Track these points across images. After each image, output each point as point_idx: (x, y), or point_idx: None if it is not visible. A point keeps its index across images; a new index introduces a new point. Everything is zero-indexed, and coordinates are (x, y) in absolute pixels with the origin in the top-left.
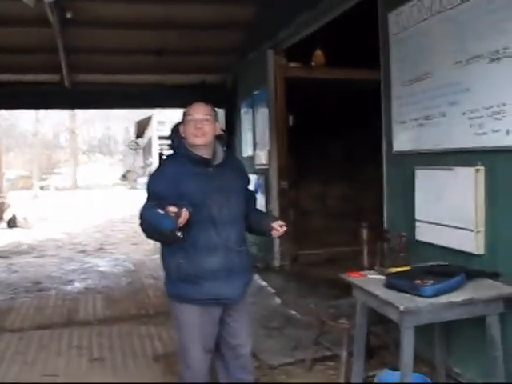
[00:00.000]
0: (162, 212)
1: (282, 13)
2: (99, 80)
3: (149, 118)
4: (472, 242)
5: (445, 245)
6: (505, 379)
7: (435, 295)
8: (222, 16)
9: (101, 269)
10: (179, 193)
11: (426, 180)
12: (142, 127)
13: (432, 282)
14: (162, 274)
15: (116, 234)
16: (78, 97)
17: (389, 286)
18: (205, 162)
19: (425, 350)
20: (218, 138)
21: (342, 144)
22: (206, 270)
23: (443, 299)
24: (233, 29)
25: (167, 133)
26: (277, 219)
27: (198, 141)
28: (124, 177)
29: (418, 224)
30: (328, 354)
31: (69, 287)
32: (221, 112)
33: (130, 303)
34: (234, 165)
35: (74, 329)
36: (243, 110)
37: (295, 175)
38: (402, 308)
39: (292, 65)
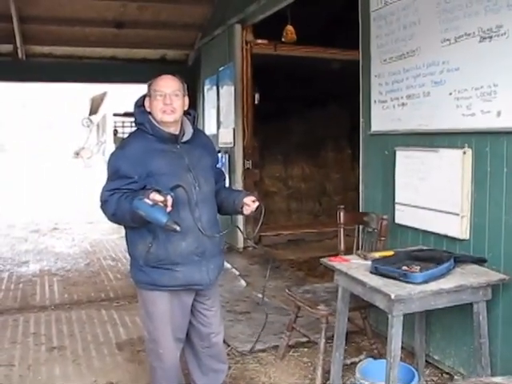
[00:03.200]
0: (149, 203)
1: None
2: (55, 52)
3: (103, 94)
4: (457, 227)
5: (427, 229)
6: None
7: (425, 282)
8: None
9: (56, 250)
10: (147, 173)
11: (407, 162)
12: (96, 103)
13: (419, 267)
14: (121, 255)
15: (71, 212)
16: (32, 69)
17: (375, 271)
18: (173, 139)
19: (403, 337)
20: (185, 113)
21: (304, 124)
22: (177, 254)
23: (433, 286)
24: (197, 3)
25: (122, 110)
26: (248, 194)
27: (167, 118)
28: (77, 154)
29: (397, 207)
30: (302, 340)
31: (23, 269)
32: None
33: (89, 286)
34: (202, 141)
35: (29, 314)
36: (207, 87)
37: (258, 155)
38: (393, 296)
39: (259, 41)
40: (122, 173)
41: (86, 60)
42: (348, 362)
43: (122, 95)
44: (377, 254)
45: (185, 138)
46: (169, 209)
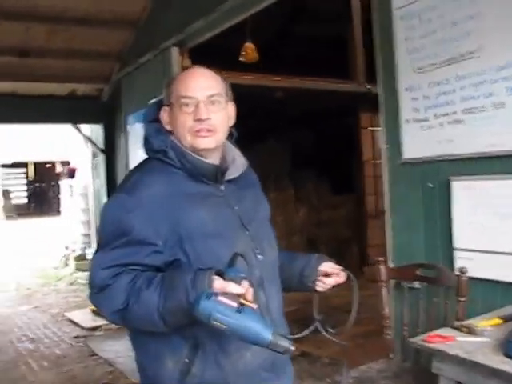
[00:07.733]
0: (233, 304)
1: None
2: None
3: None
4: None
5: None
6: None
7: None
8: (103, 10)
9: None
10: (179, 234)
11: (471, 194)
12: None
13: None
14: (40, 332)
15: None
16: None
17: None
18: (214, 176)
19: None
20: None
21: (260, 162)
22: (239, 373)
23: None
24: (115, 28)
25: (12, 160)
26: (326, 259)
27: (202, 143)
28: None
29: (460, 254)
30: None
31: None
32: (97, 129)
33: None
34: (251, 179)
35: None
36: (131, 125)
37: None
38: None
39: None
40: (137, 235)
41: None
42: None
43: (8, 142)
44: (486, 324)
45: (232, 174)
46: (253, 306)
